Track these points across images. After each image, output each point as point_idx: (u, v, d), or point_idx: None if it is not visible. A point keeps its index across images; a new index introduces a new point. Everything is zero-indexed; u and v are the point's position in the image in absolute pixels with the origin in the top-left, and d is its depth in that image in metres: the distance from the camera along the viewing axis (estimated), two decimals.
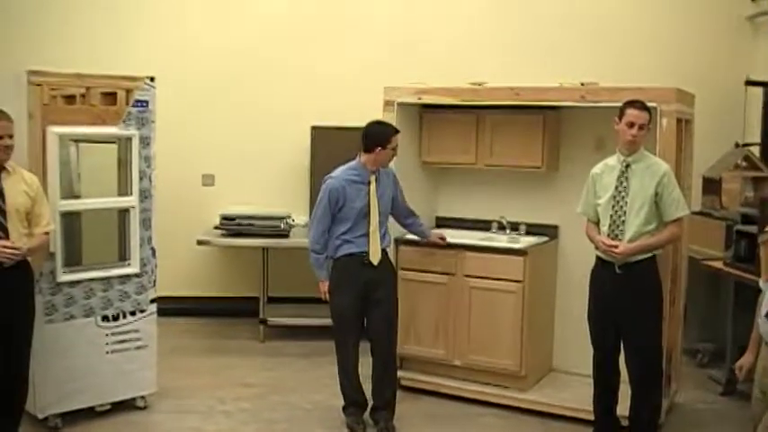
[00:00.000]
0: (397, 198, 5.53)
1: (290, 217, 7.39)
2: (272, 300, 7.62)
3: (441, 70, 7.01)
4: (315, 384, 6.22)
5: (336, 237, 5.25)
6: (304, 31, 7.90)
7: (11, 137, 4.61)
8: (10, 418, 4.80)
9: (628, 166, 4.91)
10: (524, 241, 6.01)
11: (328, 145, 7.00)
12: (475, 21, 7.79)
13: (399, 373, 6.08)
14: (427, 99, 6.07)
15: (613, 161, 5.01)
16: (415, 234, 5.87)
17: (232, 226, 7.29)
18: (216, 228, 7.40)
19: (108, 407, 5.51)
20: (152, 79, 5.54)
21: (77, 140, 5.52)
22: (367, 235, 5.23)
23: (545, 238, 6.15)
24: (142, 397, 5.68)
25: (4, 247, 4.45)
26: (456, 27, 7.77)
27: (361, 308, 5.24)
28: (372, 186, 5.25)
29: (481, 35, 7.72)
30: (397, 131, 5.33)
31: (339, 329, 5.31)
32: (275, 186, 7.89)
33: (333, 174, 5.30)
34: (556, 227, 6.23)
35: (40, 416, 5.19)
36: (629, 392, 5.02)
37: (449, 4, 7.85)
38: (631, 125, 4.83)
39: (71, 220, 5.43)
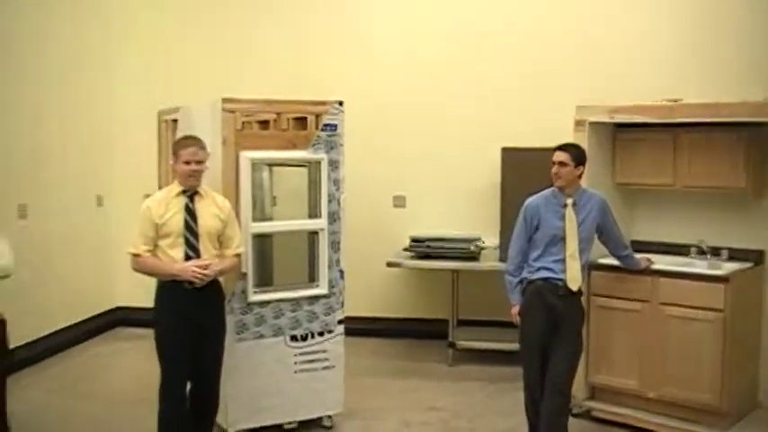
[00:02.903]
0: (609, 228, 5.33)
1: (480, 239, 7.31)
2: (461, 323, 7.56)
3: (634, 88, 6.69)
4: (502, 411, 6.09)
5: (532, 260, 5.11)
6: (493, 51, 7.82)
7: (198, 162, 4.75)
8: (203, 429, 4.98)
9: None
10: (726, 267, 5.62)
11: (519, 166, 6.85)
12: (671, 35, 7.38)
13: (590, 404, 5.90)
14: (620, 118, 5.83)
15: None
16: (628, 267, 5.64)
17: (422, 248, 7.29)
18: (406, 250, 7.42)
19: (295, 425, 5.63)
20: (341, 103, 5.63)
21: (271, 164, 5.72)
22: (563, 260, 5.04)
23: (749, 264, 5.74)
24: (329, 416, 5.75)
25: (196, 267, 4.63)
26: (653, 43, 7.38)
27: (549, 337, 5.05)
28: (569, 209, 5.07)
29: (678, 50, 7.29)
30: (556, 148, 5.10)
31: (524, 356, 5.16)
32: (465, 208, 7.84)
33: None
34: (761, 252, 5.82)
35: (231, 430, 5.37)
36: None
37: (641, 22, 7.42)
38: None
39: (263, 242, 5.61)
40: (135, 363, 7.26)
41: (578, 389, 5.73)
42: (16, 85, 7.04)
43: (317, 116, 5.59)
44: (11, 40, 6.98)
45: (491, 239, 7.33)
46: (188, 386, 4.87)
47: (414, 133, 7.99)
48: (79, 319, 8.08)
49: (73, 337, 7.92)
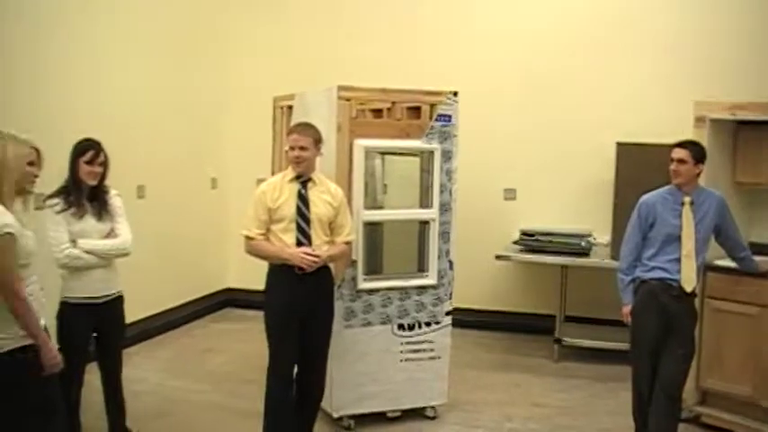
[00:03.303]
0: (727, 228, 5.12)
1: (591, 235, 7.18)
2: (568, 319, 7.46)
3: (752, 85, 6.48)
4: (608, 410, 5.97)
5: (646, 259, 4.98)
6: (608, 44, 7.66)
7: (302, 148, 4.75)
8: (309, 412, 5.04)
9: None
10: None
11: (634, 162, 6.67)
12: None
13: (700, 409, 5.72)
14: (742, 115, 5.63)
15: None
16: (746, 269, 5.41)
17: (531, 242, 7.20)
18: (515, 243, 7.35)
19: (398, 413, 5.65)
20: (455, 94, 5.60)
21: (383, 153, 5.73)
22: (678, 260, 4.88)
23: None
24: (432, 407, 5.75)
25: (306, 253, 4.68)
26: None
27: (660, 339, 4.91)
28: (686, 207, 4.92)
29: None
30: (676, 145, 4.93)
31: (634, 357, 5.04)
32: (577, 203, 7.71)
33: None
34: None
35: (335, 415, 5.44)
36: None
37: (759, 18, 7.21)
38: None
39: (374, 230, 5.64)
40: (244, 344, 7.39)
41: (688, 393, 5.56)
42: (136, 71, 7.26)
43: (432, 106, 5.57)
44: (133, 31, 7.20)
45: (602, 236, 7.20)
46: (295, 371, 4.93)
47: (527, 125, 7.90)
48: (191, 299, 8.31)
49: (184, 316, 8.15)
